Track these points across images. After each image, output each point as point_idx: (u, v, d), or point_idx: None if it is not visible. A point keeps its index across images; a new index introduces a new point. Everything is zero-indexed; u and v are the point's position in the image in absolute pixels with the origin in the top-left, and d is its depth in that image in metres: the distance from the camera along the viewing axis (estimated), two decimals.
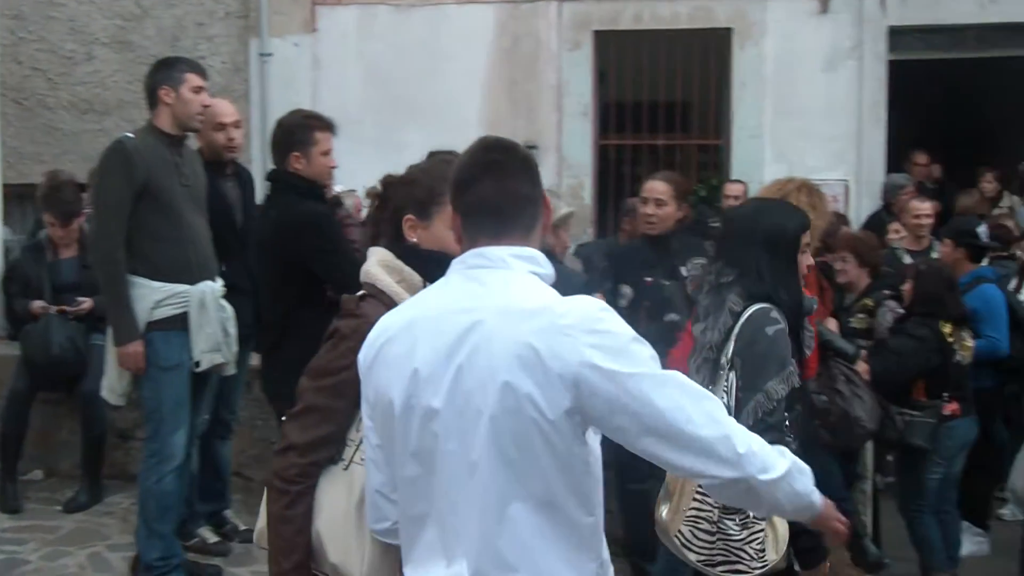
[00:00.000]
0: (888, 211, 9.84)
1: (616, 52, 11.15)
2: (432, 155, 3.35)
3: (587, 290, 4.60)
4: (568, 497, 2.40)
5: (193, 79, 5.52)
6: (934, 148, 10.98)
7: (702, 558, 3.52)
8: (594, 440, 2.44)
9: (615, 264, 6.15)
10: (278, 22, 11.01)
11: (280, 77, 10.92)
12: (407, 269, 2.99)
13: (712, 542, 3.50)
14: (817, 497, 2.63)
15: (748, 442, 2.40)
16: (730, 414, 2.79)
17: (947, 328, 6.10)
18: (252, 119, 10.64)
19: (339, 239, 5.18)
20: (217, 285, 5.60)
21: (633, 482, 5.71)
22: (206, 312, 5.49)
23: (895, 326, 6.29)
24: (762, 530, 3.48)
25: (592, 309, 2.40)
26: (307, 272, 4.95)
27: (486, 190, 2.54)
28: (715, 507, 3.48)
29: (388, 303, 2.88)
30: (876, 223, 9.81)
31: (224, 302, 5.62)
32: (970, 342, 6.27)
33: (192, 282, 5.46)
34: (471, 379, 2.39)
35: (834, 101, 10.56)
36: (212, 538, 6.22)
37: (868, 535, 6.10)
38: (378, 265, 3.00)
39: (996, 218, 9.05)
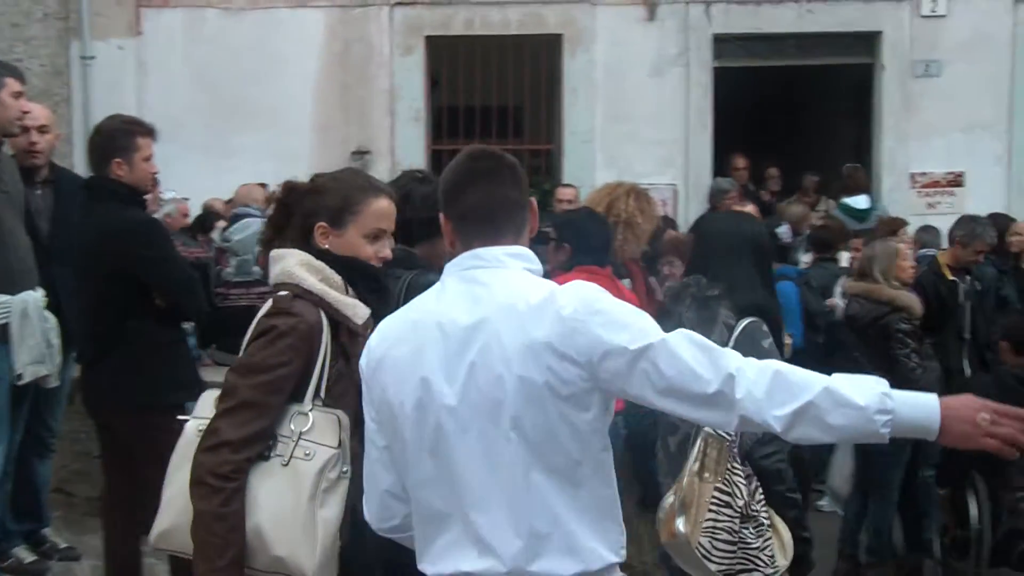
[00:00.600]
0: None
1: (448, 57, 11.19)
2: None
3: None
4: (590, 472, 2.55)
5: (12, 84, 5.32)
6: (761, 153, 11.31)
7: (723, 567, 3.55)
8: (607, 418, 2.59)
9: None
10: (100, 24, 10.69)
11: (103, 81, 10.60)
12: (328, 268, 3.10)
13: (733, 551, 3.56)
14: (894, 402, 2.43)
15: (752, 382, 2.43)
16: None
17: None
18: (74, 124, 10.33)
19: (167, 247, 5.06)
20: (39, 294, 5.40)
21: None
22: (29, 322, 5.29)
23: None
24: (771, 537, 3.62)
25: (589, 293, 2.54)
26: (133, 281, 4.82)
27: (479, 197, 2.66)
28: (735, 516, 3.56)
29: (316, 302, 3.05)
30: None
31: (47, 312, 5.43)
32: (787, 340, 6.49)
33: (13, 291, 5.25)
34: (485, 375, 2.52)
35: (662, 107, 10.81)
36: (28, 557, 5.99)
37: None
38: (299, 266, 3.10)
39: (823, 219, 9.38)
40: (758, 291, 3.84)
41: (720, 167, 10.87)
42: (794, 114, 13.84)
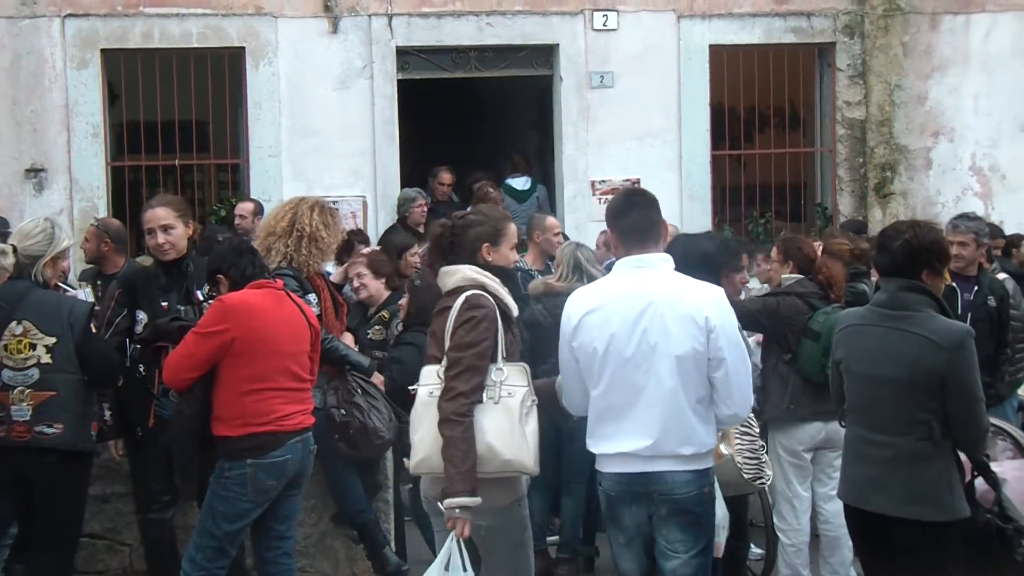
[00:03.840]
0: (403, 224, 10.23)
1: (127, 71, 10.83)
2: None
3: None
4: (708, 400, 4.43)
5: None
6: (451, 162, 11.48)
7: (749, 476, 5.26)
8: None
9: (130, 290, 5.95)
10: None
11: None
12: (487, 273, 4.61)
13: (753, 464, 5.28)
14: None
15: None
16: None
17: None
18: None
19: None
20: None
21: None
22: None
23: (397, 337, 6.55)
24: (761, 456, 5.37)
25: (720, 295, 4.51)
26: None
27: (636, 218, 4.54)
28: (754, 440, 5.29)
29: (492, 294, 4.55)
30: (392, 236, 10.17)
31: None
32: None
33: None
34: (654, 335, 4.38)
35: (348, 119, 10.82)
36: None
37: (389, 544, 6.29)
38: (474, 272, 4.59)
39: None
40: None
41: (408, 178, 10.97)
42: (479, 125, 14.16)
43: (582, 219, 10.86)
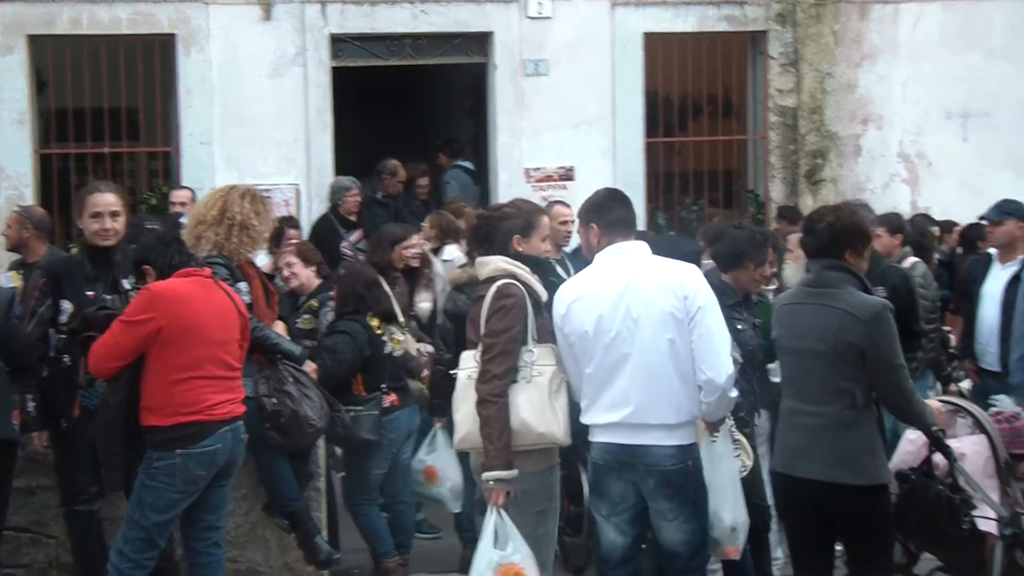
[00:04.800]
0: (336, 213, 10.18)
1: (55, 57, 10.67)
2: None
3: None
4: (691, 367, 4.77)
5: None
6: (383, 152, 11.43)
7: None
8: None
9: (54, 279, 5.87)
10: None
11: None
12: (517, 263, 4.98)
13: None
14: None
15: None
16: None
17: (375, 322, 6.44)
18: None
19: None
20: None
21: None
22: None
23: (330, 325, 6.53)
24: (741, 448, 5.41)
25: (694, 269, 4.95)
26: None
27: (620, 212, 5.06)
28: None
29: (522, 282, 4.93)
30: (324, 225, 10.13)
31: None
32: (400, 336, 6.65)
33: None
34: (637, 309, 4.78)
35: (282, 107, 10.74)
36: None
37: (321, 533, 6.28)
38: (505, 263, 4.98)
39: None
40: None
41: (342, 165, 10.92)
42: (414, 113, 14.13)
43: None
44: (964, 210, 10.14)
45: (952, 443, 5.25)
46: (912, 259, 7.84)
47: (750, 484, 5.45)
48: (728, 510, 5.03)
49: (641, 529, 4.98)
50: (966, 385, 7.76)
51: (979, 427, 5.47)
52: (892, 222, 7.81)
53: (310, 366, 6.21)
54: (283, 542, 6.36)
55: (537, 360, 4.90)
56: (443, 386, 6.87)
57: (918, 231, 8.40)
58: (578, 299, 4.90)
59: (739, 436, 5.39)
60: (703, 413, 4.89)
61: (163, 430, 5.17)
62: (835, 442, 4.80)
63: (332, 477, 6.82)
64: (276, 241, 7.85)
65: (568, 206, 8.14)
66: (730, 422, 5.25)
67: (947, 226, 10.56)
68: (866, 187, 11.73)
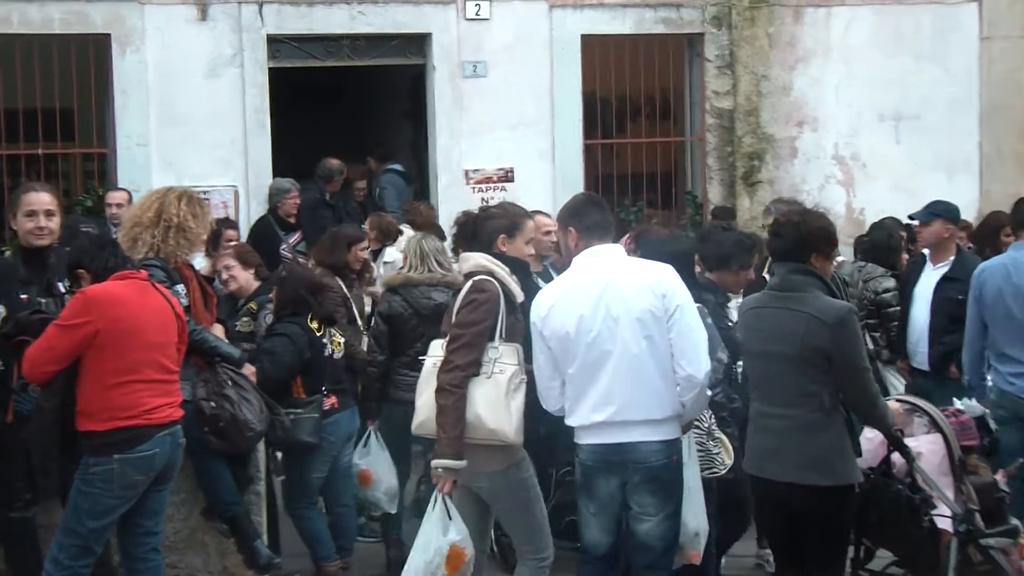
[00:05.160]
0: (274, 215, 10.13)
1: None
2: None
3: None
4: (669, 364, 4.91)
5: None
6: (322, 154, 11.38)
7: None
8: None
9: None
10: None
11: None
12: (497, 262, 5.17)
13: (702, 456, 5.46)
14: None
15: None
16: None
17: (315, 325, 6.42)
18: None
19: None
20: None
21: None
22: None
23: (269, 328, 6.50)
24: (721, 447, 5.59)
25: (670, 269, 5.03)
26: None
27: (597, 216, 5.16)
28: (703, 433, 5.52)
29: (499, 280, 5.09)
30: (263, 227, 10.08)
31: None
32: (340, 338, 6.64)
33: None
34: (617, 308, 4.90)
35: (219, 108, 10.65)
36: None
37: (261, 537, 6.24)
38: (484, 259, 5.17)
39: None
40: (693, 288, 5.35)
41: (279, 167, 10.85)
42: (352, 114, 14.07)
43: (456, 208, 10.79)
44: (897, 211, 10.22)
45: (910, 442, 5.36)
46: (840, 258, 7.95)
47: (735, 483, 5.60)
48: (692, 515, 5.17)
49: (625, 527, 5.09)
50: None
51: (935, 426, 5.58)
52: None
53: (249, 369, 6.18)
54: (222, 547, 6.32)
55: (501, 357, 5.03)
56: (376, 388, 6.89)
57: (886, 233, 8.52)
58: (558, 301, 5.02)
59: (720, 435, 5.58)
60: (682, 411, 5.01)
61: (100, 435, 5.12)
62: (804, 444, 4.89)
63: (272, 481, 6.77)
64: (214, 243, 7.79)
65: (549, 216, 8.10)
66: (708, 422, 5.52)
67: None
68: (802, 189, 11.86)
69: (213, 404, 5.86)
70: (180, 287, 5.97)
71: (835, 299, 4.99)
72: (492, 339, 5.05)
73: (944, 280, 7.46)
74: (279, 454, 6.74)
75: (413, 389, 6.60)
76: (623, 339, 4.88)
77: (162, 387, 5.30)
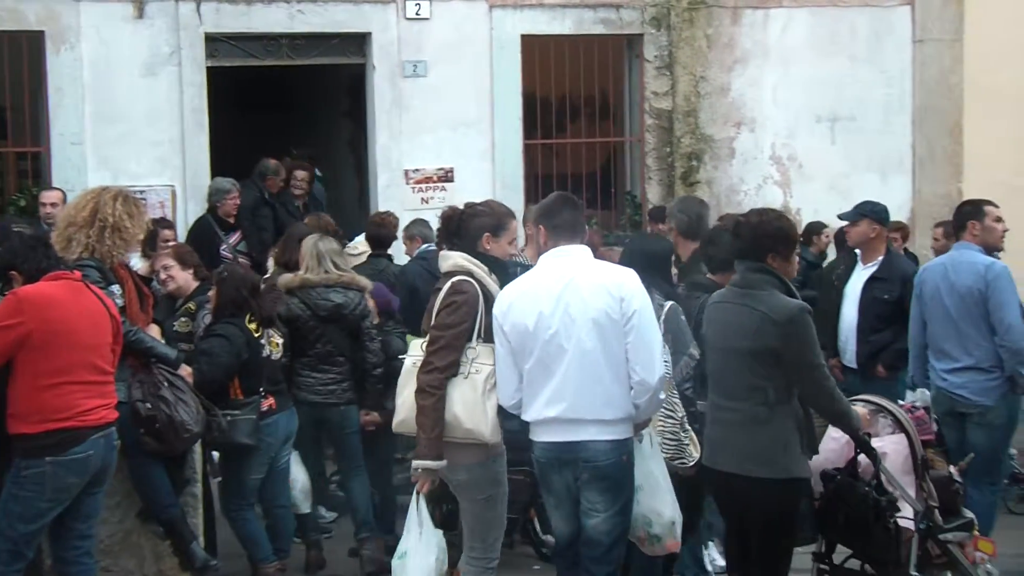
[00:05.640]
0: (214, 215, 10.06)
1: None
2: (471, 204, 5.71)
3: None
4: (623, 364, 4.98)
5: None
6: (262, 153, 11.33)
7: (667, 455, 5.54)
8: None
9: None
10: None
11: None
12: (476, 261, 5.29)
13: (674, 445, 5.64)
14: None
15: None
16: (672, 368, 5.66)
17: (253, 326, 6.39)
18: None
19: None
20: None
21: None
22: None
23: (207, 328, 6.47)
24: (689, 439, 5.71)
25: (632, 274, 5.09)
26: None
27: (567, 216, 5.22)
28: (675, 424, 5.68)
29: (477, 281, 5.21)
30: (202, 227, 10.00)
31: None
32: (278, 339, 6.62)
33: None
34: (575, 308, 4.97)
35: (156, 107, 10.54)
36: None
37: (197, 539, 6.21)
38: (464, 259, 5.28)
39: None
40: (669, 288, 5.84)
41: (218, 166, 10.78)
42: (292, 113, 14.01)
43: (396, 208, 10.79)
44: (833, 211, 10.32)
45: (875, 443, 5.48)
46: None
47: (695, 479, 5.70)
48: (667, 505, 5.31)
49: None
50: None
51: (899, 426, 5.69)
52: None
53: (185, 370, 6.14)
54: (158, 549, 6.28)
55: (478, 357, 5.17)
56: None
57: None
58: (520, 296, 5.11)
59: (688, 429, 5.72)
60: (635, 413, 5.09)
61: (32, 437, 5.08)
62: (748, 437, 5.08)
63: (209, 482, 6.73)
64: (151, 243, 7.73)
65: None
66: (681, 412, 5.68)
67: (817, 227, 10.87)
68: (740, 189, 11.99)
69: (149, 405, 5.83)
70: (116, 288, 5.93)
71: (790, 298, 5.09)
72: (470, 339, 5.17)
73: (872, 280, 7.59)
74: (216, 455, 6.70)
75: (315, 390, 6.89)
76: (579, 338, 4.96)
77: (96, 388, 5.26)
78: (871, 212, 7.68)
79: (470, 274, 5.24)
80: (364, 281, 7.17)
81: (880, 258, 7.64)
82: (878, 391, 6.45)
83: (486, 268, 5.29)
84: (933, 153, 12.31)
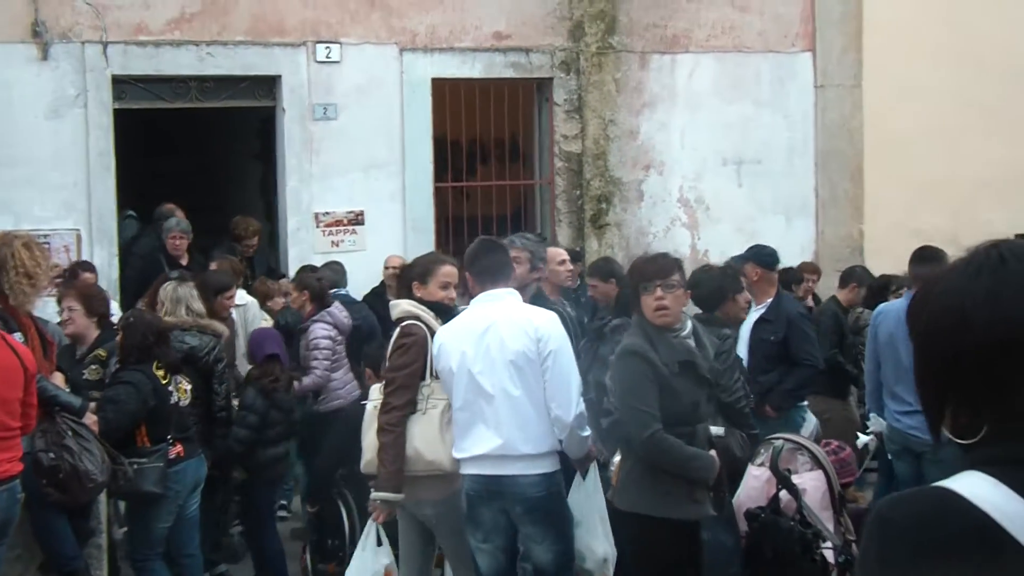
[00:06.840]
0: (164, 251, 9.96)
1: None
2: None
3: None
4: (545, 403, 5.30)
5: None
6: (169, 197, 11.21)
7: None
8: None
9: None
10: None
11: None
12: (422, 307, 5.71)
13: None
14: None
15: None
16: None
17: (160, 372, 6.32)
18: None
19: None
20: None
21: None
22: None
23: (113, 375, 6.38)
24: None
25: (553, 316, 5.48)
26: None
27: (489, 261, 5.55)
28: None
29: (425, 324, 5.60)
30: (153, 257, 9.90)
31: None
32: (187, 385, 6.54)
33: None
34: (494, 349, 5.28)
35: (61, 150, 10.38)
36: None
37: None
38: (411, 306, 5.71)
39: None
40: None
41: (125, 210, 10.64)
42: (201, 156, 13.90)
43: (306, 251, 10.82)
44: (739, 253, 10.61)
45: (794, 479, 5.63)
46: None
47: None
48: (600, 542, 5.55)
49: (513, 552, 5.47)
50: None
51: (816, 463, 5.83)
52: (603, 269, 7.93)
53: (90, 418, 6.04)
54: None
55: (433, 394, 5.55)
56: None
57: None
58: (448, 339, 5.47)
59: None
60: (564, 448, 5.40)
61: None
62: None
63: (114, 532, 6.61)
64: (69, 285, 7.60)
65: (561, 247, 8.62)
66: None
67: (797, 276, 11.03)
68: (649, 231, 12.14)
69: (52, 455, 5.73)
70: (18, 335, 5.83)
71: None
72: (424, 377, 5.56)
73: (760, 321, 7.75)
74: (122, 504, 6.59)
75: None
76: (500, 378, 5.29)
77: (1, 444, 5.15)
78: (753, 256, 7.94)
79: (417, 318, 5.63)
80: (220, 327, 7.19)
81: (769, 300, 7.82)
82: (767, 430, 6.55)
83: (432, 313, 5.69)
84: (835, 196, 12.60)
